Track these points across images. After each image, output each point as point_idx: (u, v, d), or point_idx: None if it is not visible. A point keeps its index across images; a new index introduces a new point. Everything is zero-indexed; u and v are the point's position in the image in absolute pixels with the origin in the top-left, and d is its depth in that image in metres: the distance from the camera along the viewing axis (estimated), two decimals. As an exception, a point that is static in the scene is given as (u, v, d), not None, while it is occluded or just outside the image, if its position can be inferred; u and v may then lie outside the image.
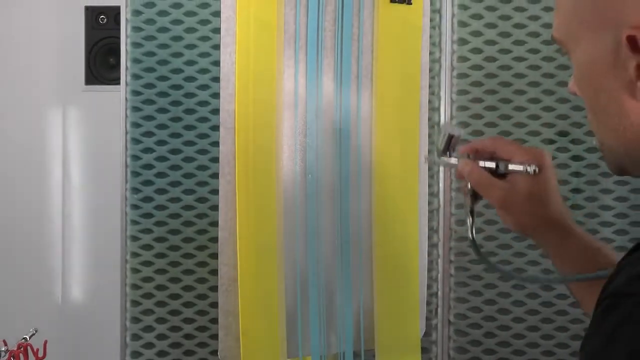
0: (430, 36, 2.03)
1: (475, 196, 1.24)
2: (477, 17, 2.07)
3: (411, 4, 1.88)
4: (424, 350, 2.07)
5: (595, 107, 0.89)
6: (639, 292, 0.74)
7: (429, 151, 2.02)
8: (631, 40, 0.79)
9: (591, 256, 1.16)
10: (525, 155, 1.18)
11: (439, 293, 2.09)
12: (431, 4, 2.01)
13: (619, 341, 0.72)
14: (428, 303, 2.07)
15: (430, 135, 2.04)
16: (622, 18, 0.80)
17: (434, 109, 2.07)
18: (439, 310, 2.09)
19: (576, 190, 2.07)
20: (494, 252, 2.08)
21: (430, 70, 2.04)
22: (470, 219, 1.24)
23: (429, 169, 2.04)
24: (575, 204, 2.07)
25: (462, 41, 2.07)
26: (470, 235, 1.23)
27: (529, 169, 1.16)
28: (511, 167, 1.18)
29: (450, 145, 1.27)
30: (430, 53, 2.03)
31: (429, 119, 2.04)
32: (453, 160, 1.25)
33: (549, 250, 1.23)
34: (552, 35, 0.93)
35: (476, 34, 2.07)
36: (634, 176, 0.91)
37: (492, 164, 1.19)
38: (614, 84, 0.83)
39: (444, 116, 2.07)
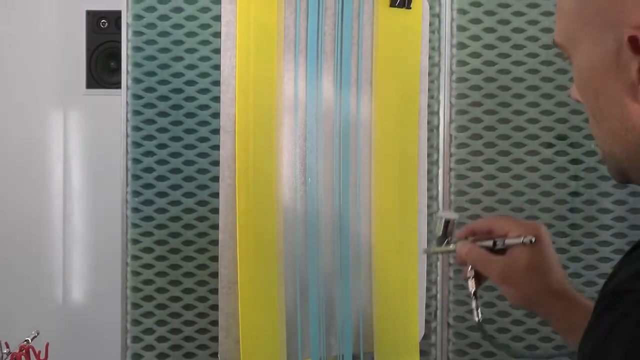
0: (430, 40, 2.03)
1: (478, 279, 1.26)
2: (476, 21, 2.07)
3: (410, 8, 1.88)
4: (424, 352, 2.07)
5: (595, 111, 0.87)
6: (639, 288, 0.73)
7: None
8: (633, 40, 0.77)
9: None
10: (520, 228, 1.19)
11: (438, 296, 2.09)
12: (430, 8, 2.01)
13: (618, 338, 0.71)
14: (427, 306, 2.07)
15: (429, 139, 2.04)
16: (623, 18, 0.78)
17: (433, 113, 2.07)
18: (438, 312, 2.09)
19: (575, 194, 2.07)
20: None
21: (430, 74, 2.04)
22: (475, 301, 1.26)
23: (428, 172, 2.04)
24: (574, 207, 2.07)
25: (461, 45, 2.07)
26: (476, 318, 1.25)
27: (525, 240, 1.18)
28: (508, 241, 1.20)
29: (447, 231, 1.30)
30: (430, 57, 2.03)
31: (428, 123, 2.04)
32: (452, 247, 1.28)
33: (553, 322, 1.23)
34: (553, 40, 0.91)
35: (475, 38, 2.07)
36: (637, 184, 0.88)
37: (489, 242, 1.22)
38: (615, 87, 0.82)
39: (443, 119, 2.07)
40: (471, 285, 1.26)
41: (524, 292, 1.19)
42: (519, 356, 2.07)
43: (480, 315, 1.25)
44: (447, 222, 1.30)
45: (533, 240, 1.17)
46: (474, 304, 1.26)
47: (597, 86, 0.84)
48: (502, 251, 1.21)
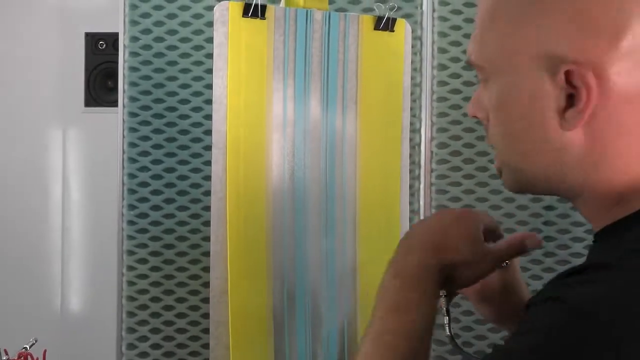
0: (412, 62, 2.04)
1: (449, 297, 1.26)
2: (456, 44, 2.07)
3: (394, 31, 1.88)
4: (406, 359, 2.06)
5: (509, 131, 0.91)
6: (554, 295, 0.78)
7: None
8: (568, 74, 0.82)
9: None
10: None
11: (420, 305, 2.08)
12: (412, 31, 2.01)
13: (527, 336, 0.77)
14: (409, 314, 2.06)
15: (411, 155, 2.04)
16: (560, 52, 0.83)
17: (415, 130, 2.07)
18: (420, 321, 2.08)
19: (549, 208, 2.07)
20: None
21: (412, 93, 2.04)
22: (447, 317, 1.26)
23: (410, 186, 2.03)
24: (548, 220, 2.07)
25: (442, 66, 2.07)
26: (448, 333, 1.26)
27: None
28: None
29: None
30: (412, 78, 2.03)
31: (410, 140, 2.04)
32: None
33: None
34: (470, 60, 0.94)
35: (455, 59, 2.07)
36: (530, 193, 0.97)
37: None
38: (540, 112, 0.86)
39: (424, 137, 2.07)
40: (443, 302, 1.26)
41: (499, 310, 1.21)
42: None
43: (451, 331, 1.26)
44: None
45: (508, 263, 1.19)
46: (445, 320, 1.26)
47: (520, 110, 0.88)
48: None
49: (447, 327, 1.26)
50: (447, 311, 1.25)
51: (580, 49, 0.82)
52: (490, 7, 0.91)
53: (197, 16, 2.03)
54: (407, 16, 2.05)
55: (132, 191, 2.02)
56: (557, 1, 0.84)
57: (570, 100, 0.83)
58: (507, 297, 1.19)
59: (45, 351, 1.91)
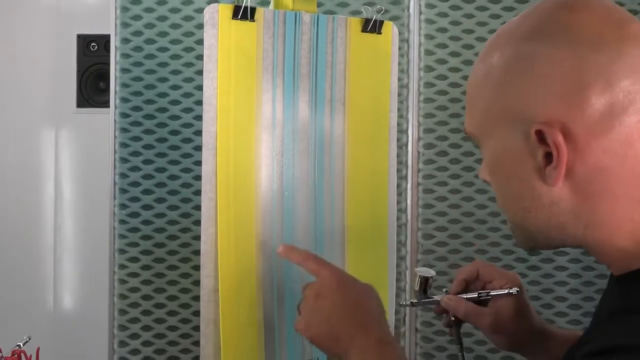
0: (399, 63, 2.04)
1: (458, 325, 1.27)
2: (442, 46, 2.07)
3: (381, 33, 1.88)
4: (393, 355, 2.06)
5: (506, 192, 0.95)
6: (624, 345, 0.77)
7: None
8: (538, 133, 0.85)
9: None
10: (503, 278, 1.24)
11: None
12: (400, 33, 2.01)
13: None
14: (397, 312, 2.06)
15: (398, 155, 2.04)
16: (529, 115, 0.86)
17: (402, 131, 2.07)
18: (407, 318, 2.08)
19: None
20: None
21: (399, 95, 2.04)
22: (459, 346, 1.27)
23: (398, 186, 2.04)
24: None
25: (428, 68, 2.07)
26: None
27: (511, 291, 1.20)
28: (494, 292, 1.22)
29: (427, 287, 1.31)
30: (399, 79, 2.04)
31: (398, 140, 2.04)
32: (436, 298, 1.30)
33: (535, 357, 1.26)
34: (465, 130, 0.99)
35: (441, 61, 2.08)
36: (543, 250, 0.99)
37: (474, 295, 1.23)
38: (525, 171, 0.89)
39: (411, 137, 2.07)
40: (455, 332, 1.27)
41: (512, 338, 1.23)
42: None
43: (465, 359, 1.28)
44: (426, 279, 1.31)
45: (518, 290, 1.20)
46: (458, 348, 1.27)
47: (509, 171, 0.93)
48: (484, 301, 1.24)
49: (459, 356, 1.27)
50: (460, 340, 1.27)
51: (547, 110, 0.85)
52: (475, 78, 0.96)
53: (188, 18, 2.03)
54: (394, 19, 2.05)
55: (123, 191, 2.02)
56: (527, 66, 0.87)
57: (549, 158, 0.86)
58: (519, 324, 1.21)
59: (38, 348, 1.91)
